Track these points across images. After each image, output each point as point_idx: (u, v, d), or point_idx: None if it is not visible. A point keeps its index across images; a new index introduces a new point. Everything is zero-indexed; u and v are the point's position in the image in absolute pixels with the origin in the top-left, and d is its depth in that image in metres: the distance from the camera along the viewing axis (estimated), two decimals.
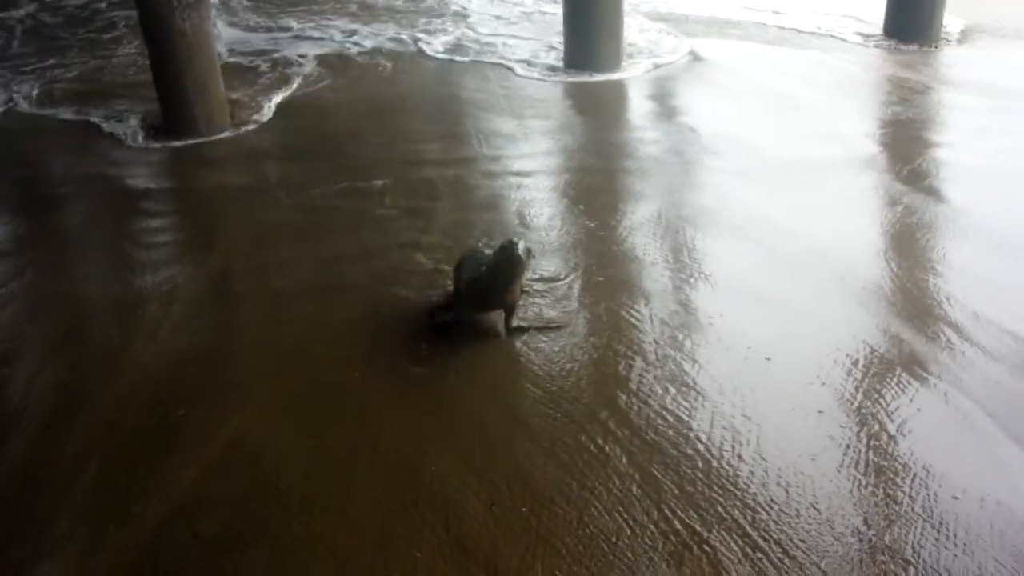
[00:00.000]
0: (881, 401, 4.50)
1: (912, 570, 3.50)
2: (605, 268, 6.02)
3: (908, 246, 6.16)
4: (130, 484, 4.33)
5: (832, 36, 11.54)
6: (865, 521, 3.75)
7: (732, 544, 3.66)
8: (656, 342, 5.10)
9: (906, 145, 7.91)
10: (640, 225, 6.64)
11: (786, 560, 3.57)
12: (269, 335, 5.55)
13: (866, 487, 3.94)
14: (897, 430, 4.29)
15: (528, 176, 7.70)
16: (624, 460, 4.18)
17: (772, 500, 3.88)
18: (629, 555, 3.63)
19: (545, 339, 5.19)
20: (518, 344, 5.15)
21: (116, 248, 7.10)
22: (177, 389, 5.04)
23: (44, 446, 4.65)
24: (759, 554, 3.60)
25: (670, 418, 4.45)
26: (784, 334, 5.12)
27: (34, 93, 11.08)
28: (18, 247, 7.23)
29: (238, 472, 4.35)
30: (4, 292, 6.39)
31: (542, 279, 5.87)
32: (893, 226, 6.43)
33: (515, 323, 5.24)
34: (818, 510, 3.82)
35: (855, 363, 4.80)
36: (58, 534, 4.04)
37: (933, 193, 6.87)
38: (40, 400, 5.07)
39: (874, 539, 3.65)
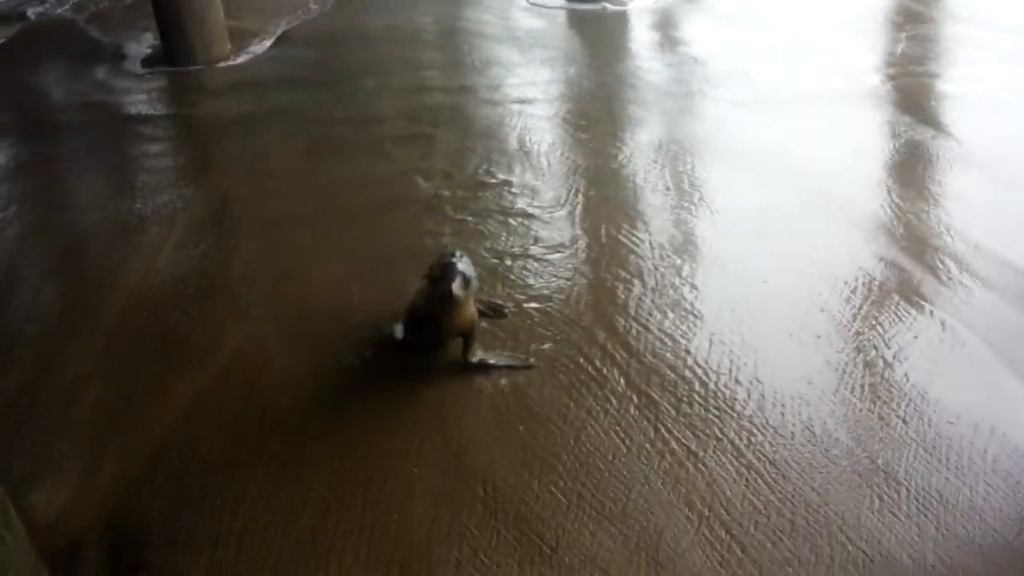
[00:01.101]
0: (879, 328, 4.51)
1: (904, 491, 3.53)
2: (605, 193, 6.01)
3: (910, 177, 6.13)
4: (129, 405, 4.36)
5: None
6: (859, 444, 3.77)
7: (727, 464, 3.69)
8: (655, 267, 5.09)
9: (911, 78, 7.83)
10: (640, 152, 6.60)
11: (780, 480, 3.60)
12: (267, 259, 5.54)
13: (861, 411, 3.96)
14: (894, 356, 4.30)
15: (529, 104, 7.64)
16: (622, 382, 4.20)
17: (768, 422, 3.91)
18: (625, 473, 3.66)
19: (541, 264, 5.19)
20: (516, 268, 5.15)
21: (115, 173, 7.08)
22: (176, 312, 5.05)
23: (44, 368, 4.67)
24: (754, 474, 3.63)
25: (668, 341, 4.47)
26: (784, 261, 5.11)
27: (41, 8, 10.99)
28: (16, 172, 7.21)
29: (236, 393, 4.37)
30: (3, 216, 6.39)
31: (543, 207, 5.86)
32: (895, 157, 6.40)
33: (478, 356, 4.40)
34: (813, 432, 3.84)
35: (854, 290, 4.80)
36: (57, 455, 4.07)
37: (936, 125, 6.81)
38: (40, 322, 5.09)
39: (867, 461, 3.68)
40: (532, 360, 4.38)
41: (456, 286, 4.03)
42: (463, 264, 4.16)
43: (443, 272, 4.10)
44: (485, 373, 4.31)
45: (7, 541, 3.10)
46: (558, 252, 5.32)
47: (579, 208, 5.82)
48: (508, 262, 5.23)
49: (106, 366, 4.65)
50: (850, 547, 3.29)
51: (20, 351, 4.83)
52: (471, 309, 4.29)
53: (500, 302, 4.79)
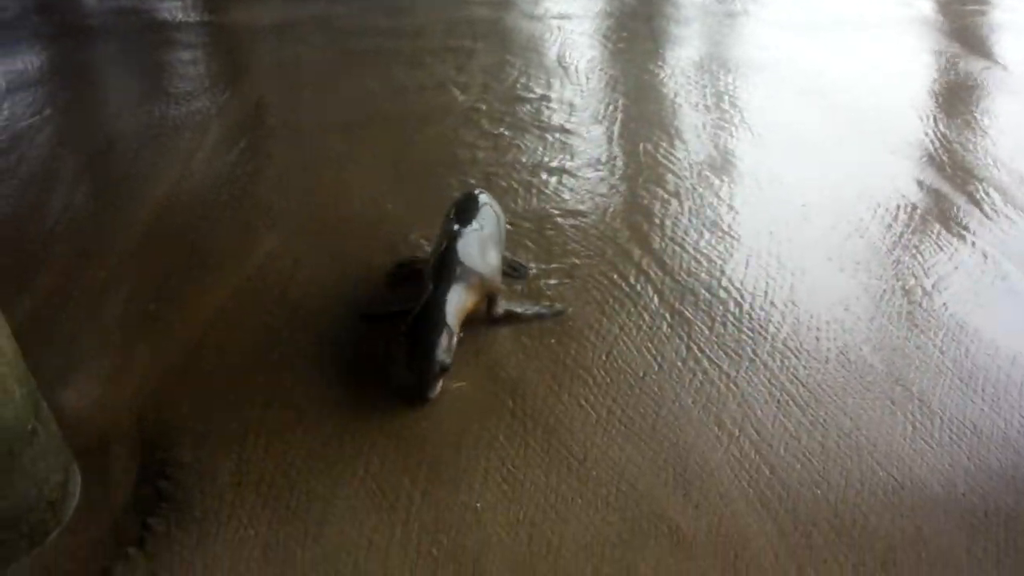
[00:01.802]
0: (919, 256, 4.43)
1: (937, 420, 3.47)
2: (643, 111, 5.92)
3: (957, 106, 5.99)
4: (160, 306, 4.34)
5: None
6: (894, 371, 3.71)
7: (760, 385, 3.64)
8: (693, 186, 5.02)
9: (963, 5, 7.63)
10: (681, 71, 6.50)
11: (813, 403, 3.55)
12: (300, 167, 5.51)
13: (898, 339, 3.90)
14: (933, 286, 4.22)
15: (569, 19, 7.53)
16: (655, 299, 4.15)
17: (802, 346, 3.86)
18: (656, 390, 3.63)
19: (577, 180, 5.13)
20: (552, 183, 5.09)
21: (147, 79, 7.02)
22: (207, 217, 5.02)
23: (76, 268, 4.66)
24: (786, 396, 3.59)
25: (703, 260, 4.41)
26: (824, 185, 5.03)
27: None
28: (50, 77, 7.16)
29: (266, 297, 4.34)
30: (38, 120, 6.35)
31: (581, 122, 5.78)
32: (943, 86, 6.26)
33: (503, 308, 4.04)
34: (848, 358, 3.79)
35: (895, 218, 4.71)
36: (88, 354, 4.06)
37: (988, 55, 6.64)
38: (73, 224, 5.07)
39: (902, 389, 3.63)
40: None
41: (433, 389, 3.57)
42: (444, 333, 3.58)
43: (414, 341, 3.58)
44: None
45: (40, 435, 3.12)
46: (595, 168, 5.25)
47: (617, 125, 5.74)
48: (544, 176, 5.17)
49: (137, 268, 4.63)
50: (880, 472, 3.25)
51: (52, 251, 4.81)
52: (479, 293, 3.83)
53: (523, 262, 4.46)
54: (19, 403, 3.03)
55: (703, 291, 4.19)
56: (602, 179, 5.14)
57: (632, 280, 4.28)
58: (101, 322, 4.26)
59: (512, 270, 4.35)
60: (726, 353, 3.81)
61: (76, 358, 4.04)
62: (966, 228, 4.64)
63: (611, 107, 5.98)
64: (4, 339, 3.01)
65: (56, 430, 3.32)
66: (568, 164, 5.30)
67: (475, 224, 3.95)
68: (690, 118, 5.82)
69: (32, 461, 3.09)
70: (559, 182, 5.11)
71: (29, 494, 3.10)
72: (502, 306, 4.02)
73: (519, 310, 4.08)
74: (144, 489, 3.37)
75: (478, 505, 3.18)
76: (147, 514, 3.26)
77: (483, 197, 4.17)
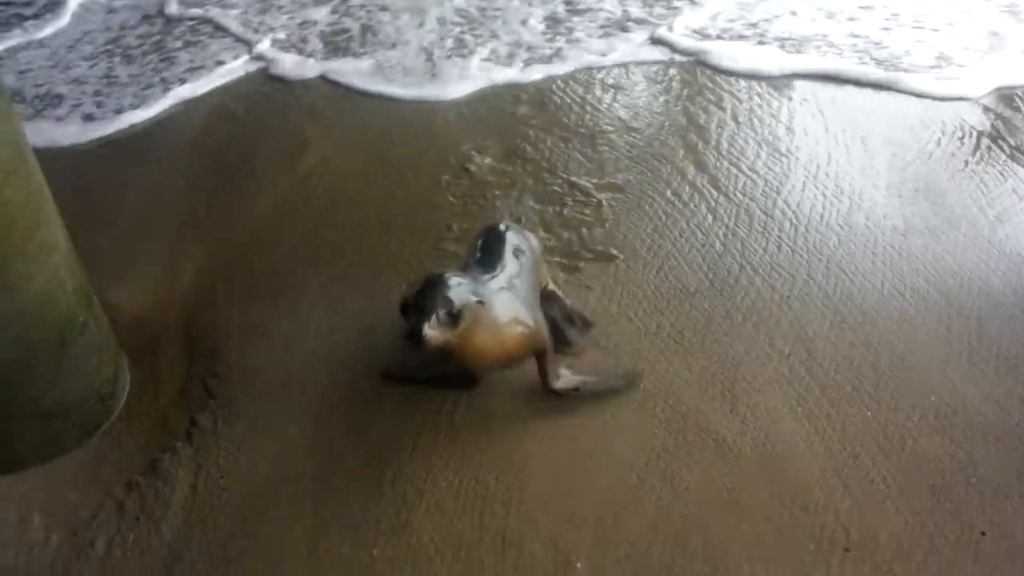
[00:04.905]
0: (982, 186, 4.29)
1: (995, 349, 3.38)
2: None
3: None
4: (210, 210, 4.40)
5: None
6: (952, 299, 3.61)
7: (812, 306, 3.58)
8: (750, 108, 4.92)
9: None
10: None
11: (867, 326, 3.48)
12: None
13: (957, 267, 3.78)
14: (996, 216, 4.09)
15: None
16: (709, 218, 4.09)
17: (857, 269, 3.77)
18: (706, 306, 3.58)
19: (630, 97, 5.04)
20: (606, 98, 5.01)
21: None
22: (256, 122, 5.04)
23: (132, 173, 4.71)
24: (839, 318, 3.52)
25: (759, 181, 4.32)
26: (886, 110, 4.89)
27: None
28: None
29: (315, 202, 4.37)
30: None
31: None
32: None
33: (562, 381, 3.18)
34: (904, 283, 3.70)
35: (959, 146, 4.57)
36: (141, 254, 4.14)
37: None
38: (130, 131, 5.14)
39: (959, 317, 3.52)
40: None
41: (431, 327, 2.68)
42: (455, 284, 2.77)
43: (417, 300, 2.75)
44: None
45: (90, 327, 3.16)
46: (650, 86, 5.15)
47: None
48: (598, 92, 5.09)
49: (189, 173, 4.67)
50: (932, 397, 3.18)
51: (110, 156, 4.87)
52: (511, 334, 2.97)
53: (586, 316, 3.54)
54: (71, 295, 3.06)
55: (758, 211, 4.12)
56: (657, 96, 5.04)
57: (686, 198, 4.22)
58: (154, 225, 4.30)
59: (570, 323, 3.50)
60: (779, 273, 3.75)
61: (129, 259, 4.09)
62: None
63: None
64: (59, 232, 3.03)
65: (107, 326, 3.36)
66: (623, 81, 5.20)
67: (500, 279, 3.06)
68: None
69: (83, 353, 3.12)
70: (613, 99, 5.02)
71: (80, 386, 3.15)
72: (561, 378, 3.21)
73: (578, 380, 3.23)
74: (192, 386, 3.42)
75: (522, 414, 3.18)
76: (195, 410, 3.31)
77: (509, 233, 3.30)
